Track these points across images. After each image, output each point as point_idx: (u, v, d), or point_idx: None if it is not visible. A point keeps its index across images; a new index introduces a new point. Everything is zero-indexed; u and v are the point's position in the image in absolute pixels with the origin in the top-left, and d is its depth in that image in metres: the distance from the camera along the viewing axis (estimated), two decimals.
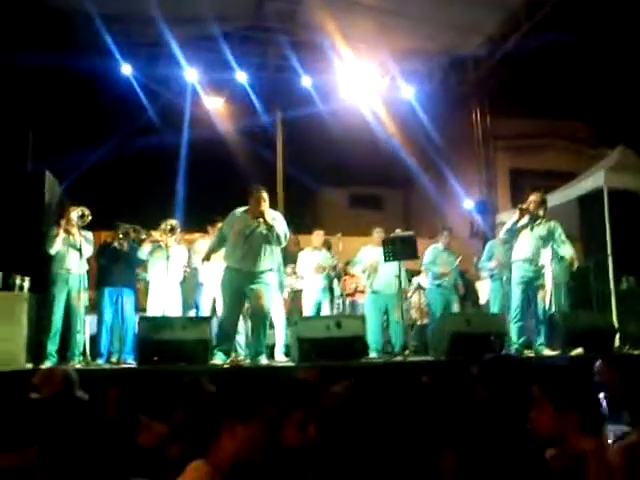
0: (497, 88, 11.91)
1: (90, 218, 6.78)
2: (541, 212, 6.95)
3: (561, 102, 12.23)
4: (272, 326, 7.15)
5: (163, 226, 7.22)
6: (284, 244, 6.56)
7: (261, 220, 6.20)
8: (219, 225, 7.33)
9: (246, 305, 6.46)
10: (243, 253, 6.20)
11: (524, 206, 7.03)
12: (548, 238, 6.95)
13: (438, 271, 8.19)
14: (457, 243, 8.82)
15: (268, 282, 6.31)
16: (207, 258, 6.54)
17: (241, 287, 6.23)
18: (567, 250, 7.14)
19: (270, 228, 6.17)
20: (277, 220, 6.33)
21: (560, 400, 2.33)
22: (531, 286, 6.94)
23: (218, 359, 6.05)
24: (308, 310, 8.08)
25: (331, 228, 8.92)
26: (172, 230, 7.21)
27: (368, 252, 7.97)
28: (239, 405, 2.13)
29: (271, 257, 6.34)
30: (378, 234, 7.85)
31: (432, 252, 8.33)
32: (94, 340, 7.04)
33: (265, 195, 6.26)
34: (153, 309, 7.18)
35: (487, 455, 2.17)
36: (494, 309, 7.99)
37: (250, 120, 11.65)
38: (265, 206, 6.22)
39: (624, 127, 10.96)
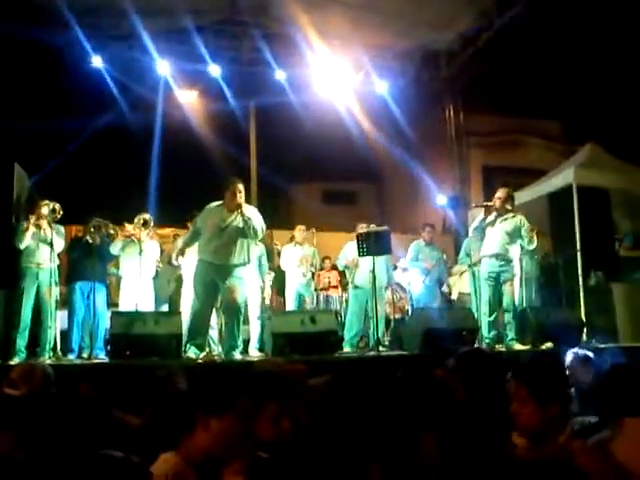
0: (470, 85, 12.02)
1: (61, 213, 6.69)
2: (508, 207, 7.04)
3: (533, 99, 12.38)
4: (246, 321, 7.13)
5: (136, 220, 7.15)
6: (260, 237, 6.52)
7: (237, 213, 6.11)
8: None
9: (219, 299, 6.41)
10: (217, 246, 6.12)
11: (489, 203, 7.14)
12: (515, 233, 7.01)
13: (423, 266, 8.25)
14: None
15: (241, 276, 6.24)
16: (181, 253, 6.46)
17: (214, 280, 6.15)
18: (532, 245, 7.19)
19: (247, 221, 6.09)
20: (252, 214, 6.29)
21: (543, 395, 2.41)
22: (499, 281, 7.01)
23: (191, 353, 6.01)
24: (290, 304, 8.09)
25: (305, 224, 8.91)
26: (145, 224, 7.14)
27: (352, 247, 7.95)
28: (213, 399, 2.15)
29: (246, 251, 6.25)
30: (361, 229, 7.80)
31: (414, 248, 8.39)
32: (65, 335, 6.96)
33: (241, 187, 6.20)
34: (125, 304, 7.12)
35: (463, 439, 2.23)
36: (473, 302, 8.09)
37: (223, 114, 11.57)
38: (241, 198, 6.17)
39: (594, 124, 11.15)
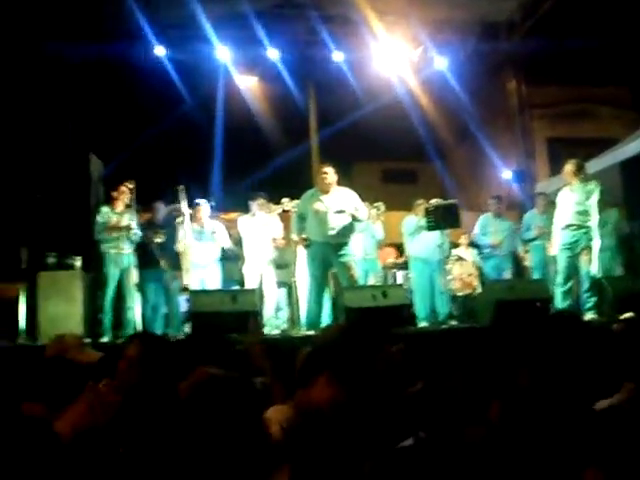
0: (532, 55, 11.69)
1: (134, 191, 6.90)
2: (577, 180, 6.89)
3: (599, 67, 11.96)
4: None
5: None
6: (366, 216, 6.85)
7: (333, 195, 6.46)
8: (259, 201, 7.45)
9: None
10: (328, 227, 6.40)
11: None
12: (586, 202, 6.84)
13: (488, 242, 8.23)
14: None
15: (352, 253, 6.60)
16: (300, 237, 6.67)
17: (326, 259, 6.48)
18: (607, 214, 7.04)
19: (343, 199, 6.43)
20: (347, 193, 6.59)
21: None
22: (575, 251, 6.87)
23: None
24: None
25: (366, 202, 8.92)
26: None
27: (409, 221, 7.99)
28: (344, 364, 2.24)
29: (351, 229, 6.56)
30: (418, 205, 7.84)
31: (481, 222, 8.36)
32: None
33: (326, 169, 6.59)
34: (195, 285, 7.30)
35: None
36: (536, 277, 8.02)
37: (283, 97, 11.62)
38: (328, 179, 6.50)
39: None
